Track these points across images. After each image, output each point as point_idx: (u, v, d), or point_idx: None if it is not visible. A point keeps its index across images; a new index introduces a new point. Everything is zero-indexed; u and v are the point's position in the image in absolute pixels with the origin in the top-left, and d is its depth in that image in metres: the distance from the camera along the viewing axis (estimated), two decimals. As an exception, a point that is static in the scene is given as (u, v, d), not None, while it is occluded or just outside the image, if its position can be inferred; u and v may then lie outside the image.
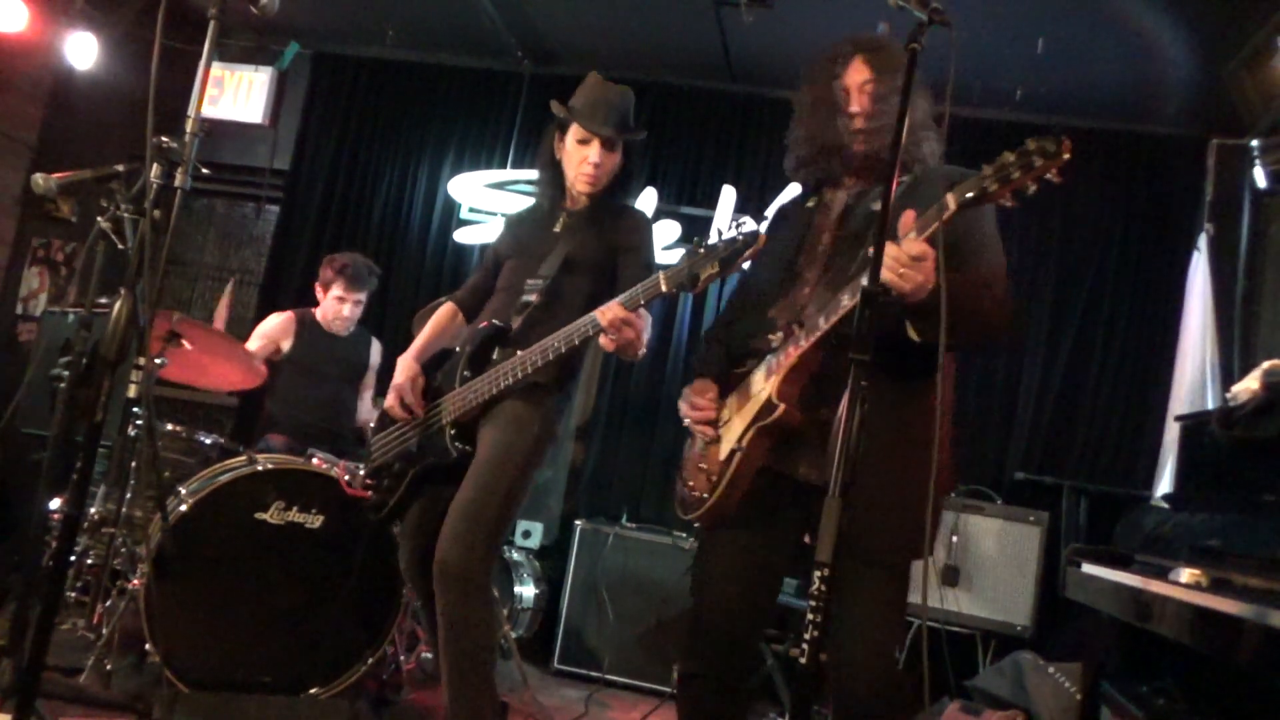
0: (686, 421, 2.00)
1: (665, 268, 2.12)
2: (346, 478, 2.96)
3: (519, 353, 2.31)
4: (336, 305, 3.87)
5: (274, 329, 3.90)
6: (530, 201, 2.73)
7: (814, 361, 1.80)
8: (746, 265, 2.11)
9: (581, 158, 2.49)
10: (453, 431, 2.41)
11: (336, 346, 3.95)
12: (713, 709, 1.93)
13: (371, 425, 3.15)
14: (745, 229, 2.00)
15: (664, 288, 2.09)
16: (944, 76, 1.80)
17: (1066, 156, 1.48)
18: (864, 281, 1.53)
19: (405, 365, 2.53)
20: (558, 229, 2.53)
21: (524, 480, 2.36)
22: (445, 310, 2.72)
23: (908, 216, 1.65)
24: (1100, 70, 4.23)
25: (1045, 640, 3.60)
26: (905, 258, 1.59)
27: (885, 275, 1.58)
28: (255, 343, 3.85)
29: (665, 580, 3.97)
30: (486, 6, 4.61)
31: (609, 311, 2.14)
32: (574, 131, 2.49)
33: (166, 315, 2.99)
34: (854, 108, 1.94)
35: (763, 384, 1.85)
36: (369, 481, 2.61)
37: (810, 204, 2.05)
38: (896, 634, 1.80)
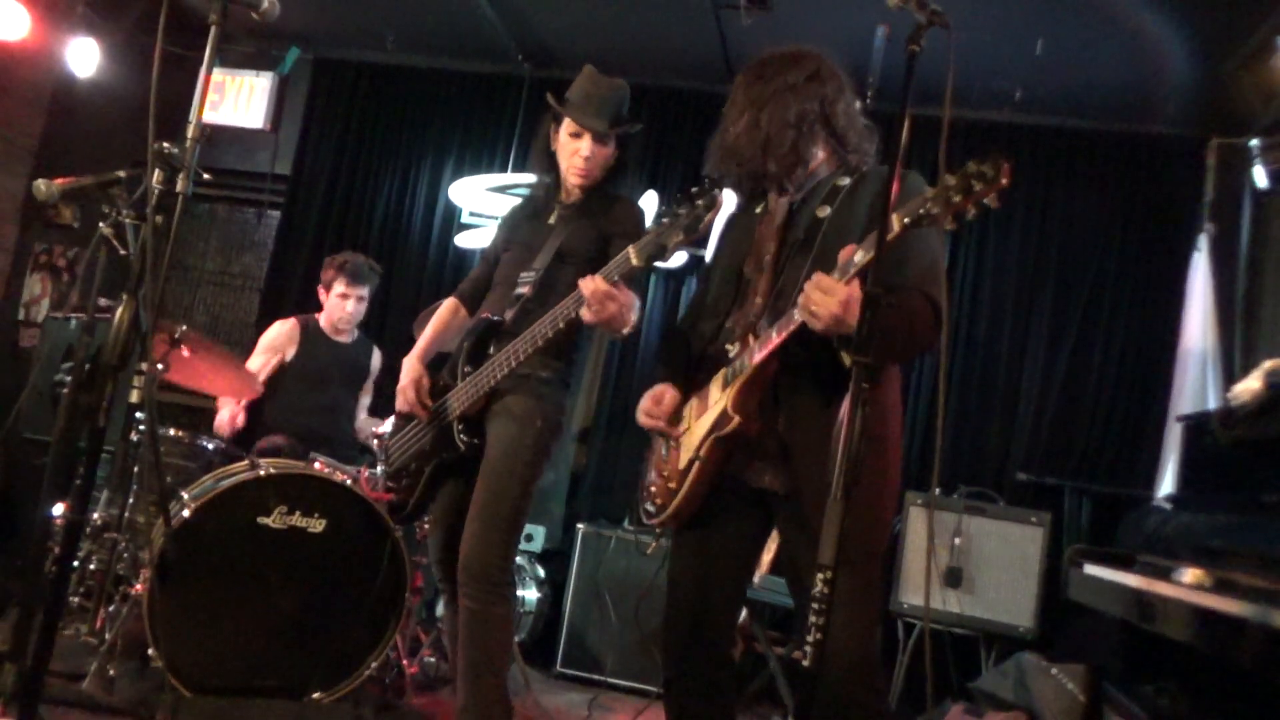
0: (641, 422, 2.05)
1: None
2: (366, 475, 3.00)
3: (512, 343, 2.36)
4: (339, 303, 3.88)
5: (278, 338, 3.90)
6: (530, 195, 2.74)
7: (769, 373, 1.83)
8: (715, 229, 2.18)
9: (573, 150, 2.52)
10: (460, 426, 2.46)
11: (339, 352, 3.96)
12: (694, 711, 1.96)
13: (373, 431, 3.17)
14: (705, 195, 2.04)
15: (635, 260, 2.14)
16: (943, 78, 1.80)
17: (1005, 182, 1.49)
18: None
19: (410, 366, 2.59)
20: (552, 221, 2.56)
21: (534, 475, 2.42)
22: (447, 307, 2.75)
23: (847, 250, 1.68)
24: (1099, 71, 4.23)
25: (1048, 641, 3.59)
26: (814, 294, 1.64)
27: (798, 315, 1.66)
28: (259, 358, 3.84)
29: (663, 583, 3.96)
30: (486, 10, 4.62)
31: (590, 282, 2.18)
32: (566, 125, 2.52)
33: (170, 327, 3.00)
34: (725, 138, 2.00)
35: (719, 394, 1.88)
36: (390, 484, 2.67)
37: (758, 210, 2.07)
38: (866, 627, 1.81)
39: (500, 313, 2.49)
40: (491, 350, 2.43)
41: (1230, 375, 3.87)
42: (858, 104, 2.01)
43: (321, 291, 3.92)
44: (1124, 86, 4.33)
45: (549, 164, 2.60)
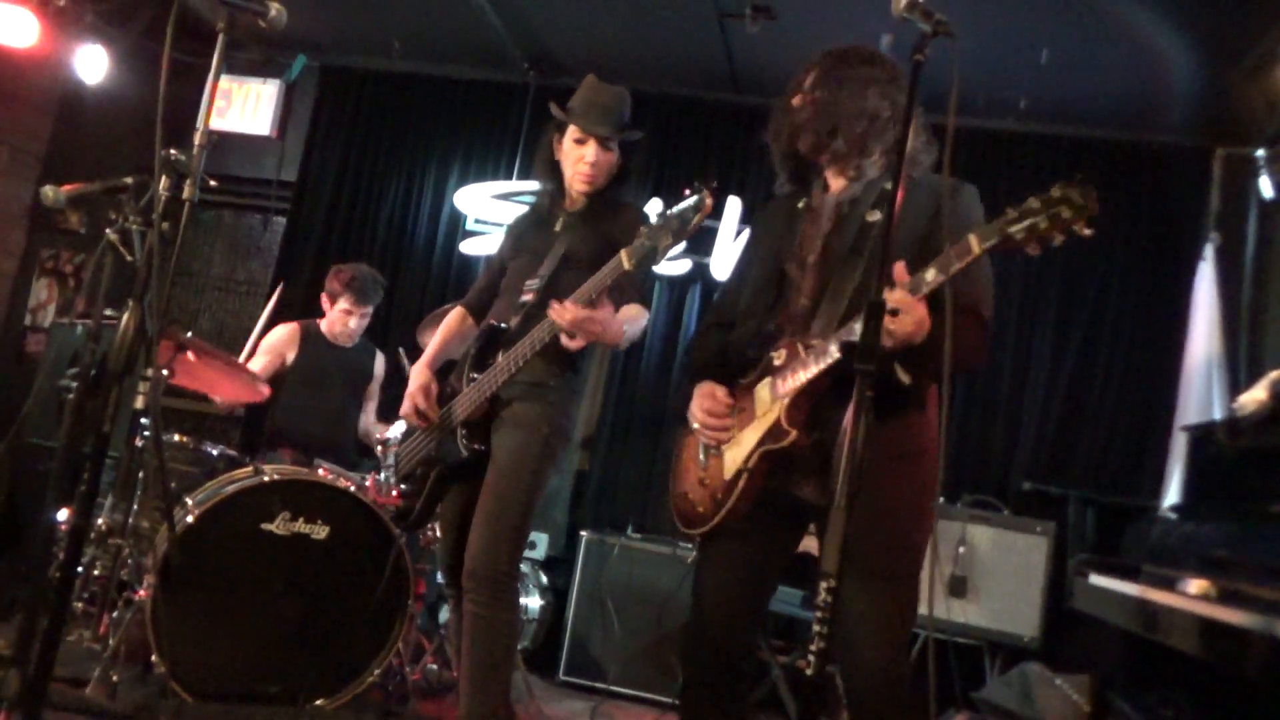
0: (696, 426, 1.95)
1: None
2: (371, 481, 3.00)
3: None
4: (343, 318, 3.89)
5: (279, 341, 3.91)
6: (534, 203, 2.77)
7: (822, 386, 1.78)
8: (717, 234, 2.15)
9: (578, 157, 2.53)
10: (464, 432, 2.47)
11: (341, 357, 3.97)
12: (712, 717, 1.94)
13: (376, 436, 3.17)
14: (693, 197, 2.06)
15: (626, 265, 2.16)
16: (948, 87, 1.81)
17: (1094, 209, 1.46)
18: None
19: (417, 373, 2.60)
20: (558, 229, 2.58)
21: (540, 482, 2.44)
22: (454, 315, 2.77)
23: (901, 268, 1.64)
24: (1104, 80, 4.23)
25: (1053, 651, 3.57)
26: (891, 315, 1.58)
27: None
28: (261, 359, 3.84)
29: (671, 590, 3.96)
30: (492, 18, 4.64)
31: (565, 313, 2.20)
32: (570, 131, 2.54)
33: (174, 334, 3.00)
34: (795, 101, 1.98)
35: (769, 404, 1.83)
36: (397, 490, 2.71)
37: (800, 204, 2.02)
38: (900, 646, 1.79)
39: (506, 320, 2.51)
40: (497, 357, 2.44)
41: (1236, 385, 3.85)
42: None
43: (325, 300, 3.93)
44: (1129, 96, 4.33)
45: (552, 172, 2.61)
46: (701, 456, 1.97)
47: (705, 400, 1.93)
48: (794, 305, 1.89)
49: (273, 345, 3.90)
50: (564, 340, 2.24)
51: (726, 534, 1.90)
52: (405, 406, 2.58)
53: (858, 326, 1.63)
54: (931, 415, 1.86)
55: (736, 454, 1.86)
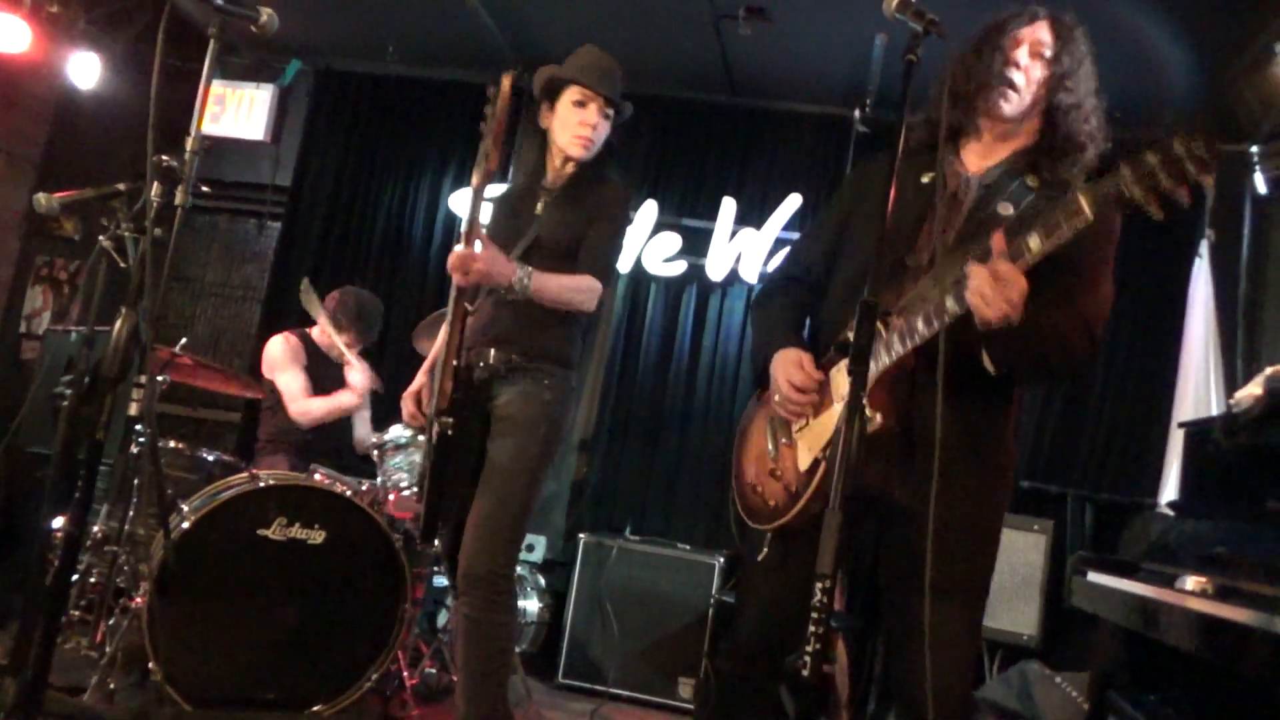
0: (777, 398, 1.76)
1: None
2: (365, 489, 3.01)
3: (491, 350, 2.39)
4: (343, 346, 3.90)
5: (295, 353, 3.86)
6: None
7: (909, 367, 1.65)
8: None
9: (579, 120, 2.46)
10: (440, 419, 2.36)
11: (335, 369, 3.97)
12: (743, 707, 1.90)
13: (372, 440, 3.18)
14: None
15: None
16: (941, 86, 1.81)
17: (1215, 163, 1.34)
18: (959, 279, 1.47)
19: (420, 374, 2.61)
20: (539, 210, 2.50)
21: (536, 482, 2.42)
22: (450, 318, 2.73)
23: (998, 238, 1.52)
24: (1099, 76, 4.22)
25: (1052, 650, 3.57)
26: (989, 285, 1.48)
27: (969, 299, 1.50)
28: (298, 368, 3.78)
29: (670, 592, 3.95)
30: (487, 21, 4.63)
31: (453, 258, 2.24)
32: (570, 94, 2.47)
33: (166, 351, 3.00)
34: (1021, 60, 1.75)
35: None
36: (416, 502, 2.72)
37: (925, 179, 1.80)
38: (970, 666, 1.75)
39: (481, 307, 2.47)
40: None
41: (1232, 382, 3.86)
42: None
43: (324, 321, 3.91)
44: (1123, 93, 4.26)
45: (539, 144, 2.55)
46: (770, 445, 1.82)
47: (792, 370, 1.74)
48: (906, 286, 1.69)
49: (295, 356, 3.86)
50: (456, 278, 2.26)
51: (796, 535, 1.74)
52: (406, 409, 2.58)
53: (950, 303, 1.53)
54: (1012, 430, 1.76)
55: (813, 442, 1.72)
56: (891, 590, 1.77)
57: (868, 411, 1.55)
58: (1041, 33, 1.79)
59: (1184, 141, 1.36)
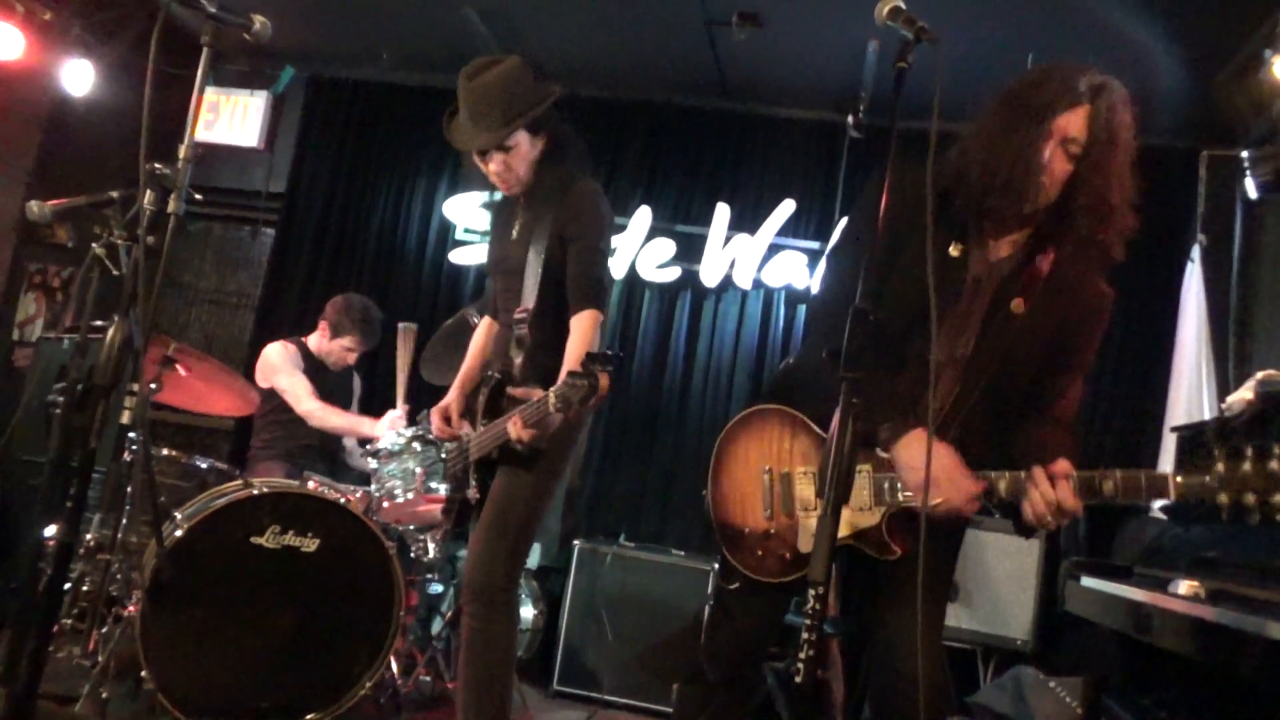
0: (939, 503, 1.66)
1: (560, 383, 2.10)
2: (359, 496, 3.00)
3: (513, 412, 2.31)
4: (342, 353, 3.92)
5: (293, 361, 3.86)
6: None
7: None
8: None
9: (484, 169, 2.42)
10: (475, 476, 2.46)
11: (330, 378, 3.97)
12: (718, 711, 1.97)
13: (367, 447, 3.18)
14: (590, 376, 1.99)
15: (551, 408, 2.09)
16: (932, 92, 1.81)
17: None
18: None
19: (452, 390, 2.62)
20: (515, 234, 2.47)
21: (542, 496, 2.42)
22: (483, 329, 2.75)
23: (1066, 465, 1.62)
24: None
25: (1046, 655, 3.58)
26: (1055, 508, 1.60)
27: (1028, 513, 1.62)
28: (305, 382, 3.78)
29: (665, 598, 3.95)
30: (480, 28, 4.64)
31: (516, 429, 2.21)
32: None
33: (163, 343, 2.99)
34: (1054, 173, 1.70)
35: (868, 499, 1.77)
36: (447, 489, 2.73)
37: (955, 253, 1.75)
38: (943, 654, 1.86)
39: (508, 361, 2.43)
40: (504, 405, 2.41)
41: (1225, 386, 3.87)
42: None
43: (325, 327, 3.91)
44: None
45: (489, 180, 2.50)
46: (767, 501, 1.87)
47: (962, 482, 1.68)
48: (921, 389, 1.65)
49: (294, 362, 3.86)
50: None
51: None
52: (435, 424, 2.59)
53: (1001, 483, 1.63)
54: None
55: (813, 531, 1.70)
56: (882, 592, 1.85)
57: (887, 538, 1.72)
58: (1075, 124, 1.68)
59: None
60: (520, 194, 2.47)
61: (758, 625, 1.96)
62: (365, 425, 3.67)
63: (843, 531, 1.70)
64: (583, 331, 2.32)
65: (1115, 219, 1.72)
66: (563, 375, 2.08)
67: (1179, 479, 1.53)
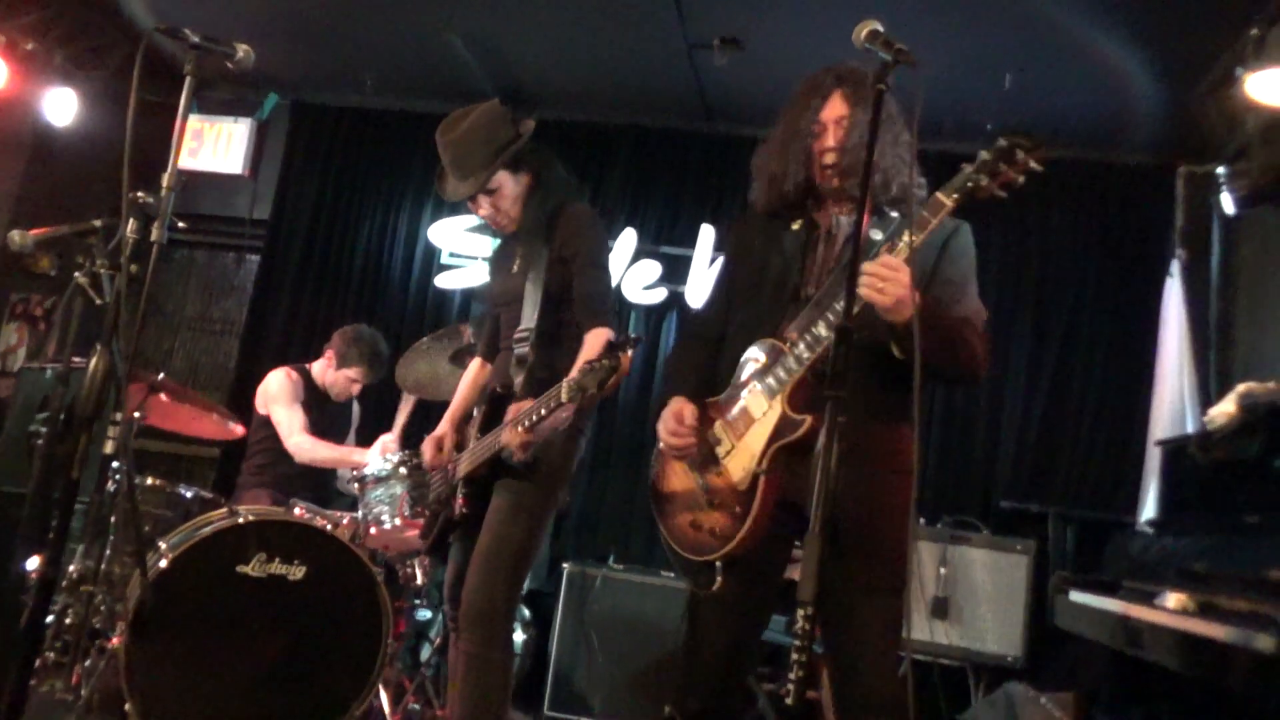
0: (662, 445, 1.95)
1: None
2: (346, 522, 3.01)
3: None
4: (346, 384, 3.89)
5: (294, 391, 3.83)
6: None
7: (815, 372, 1.78)
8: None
9: (478, 212, 2.53)
10: (464, 490, 2.46)
11: (330, 407, 3.95)
12: None
13: (353, 474, 3.16)
14: (612, 358, 2.06)
15: (564, 398, 2.13)
16: (913, 112, 1.84)
17: (1042, 148, 1.59)
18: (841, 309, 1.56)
19: (445, 421, 2.65)
20: (515, 269, 2.52)
21: (537, 523, 2.42)
22: (475, 368, 2.78)
23: (885, 249, 1.72)
24: (1068, 101, 4.31)
25: (1037, 670, 3.57)
26: (882, 270, 1.65)
27: (864, 292, 1.64)
28: (298, 406, 3.77)
29: (655, 620, 3.93)
30: (463, 53, 4.66)
31: (513, 436, 2.26)
32: None
33: (147, 377, 2.97)
34: (829, 142, 1.92)
35: (766, 403, 1.83)
36: (419, 517, 2.79)
37: (795, 227, 1.99)
38: (895, 665, 1.80)
39: (508, 380, 2.47)
40: (503, 419, 2.41)
41: (1207, 399, 3.90)
42: None
43: (332, 357, 3.88)
44: (1093, 117, 4.41)
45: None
46: (698, 481, 1.92)
47: (668, 417, 1.94)
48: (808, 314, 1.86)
49: (294, 393, 3.83)
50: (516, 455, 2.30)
51: (746, 561, 1.83)
52: (427, 455, 2.61)
53: (839, 305, 1.63)
54: (912, 437, 1.85)
55: (743, 460, 1.83)
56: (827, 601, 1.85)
57: (795, 415, 1.75)
58: (836, 108, 1.93)
59: (1009, 136, 1.63)
60: (516, 231, 2.55)
61: (734, 639, 1.92)
62: (355, 455, 3.66)
63: (759, 445, 1.81)
64: (594, 348, 2.36)
65: (898, 159, 1.91)
66: (576, 368, 2.13)
67: (943, 191, 1.68)
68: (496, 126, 2.47)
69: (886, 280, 1.64)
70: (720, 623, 1.92)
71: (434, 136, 2.56)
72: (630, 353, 2.07)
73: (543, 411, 2.19)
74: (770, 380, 1.84)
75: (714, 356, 2.05)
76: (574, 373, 2.12)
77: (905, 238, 1.68)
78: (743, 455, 1.84)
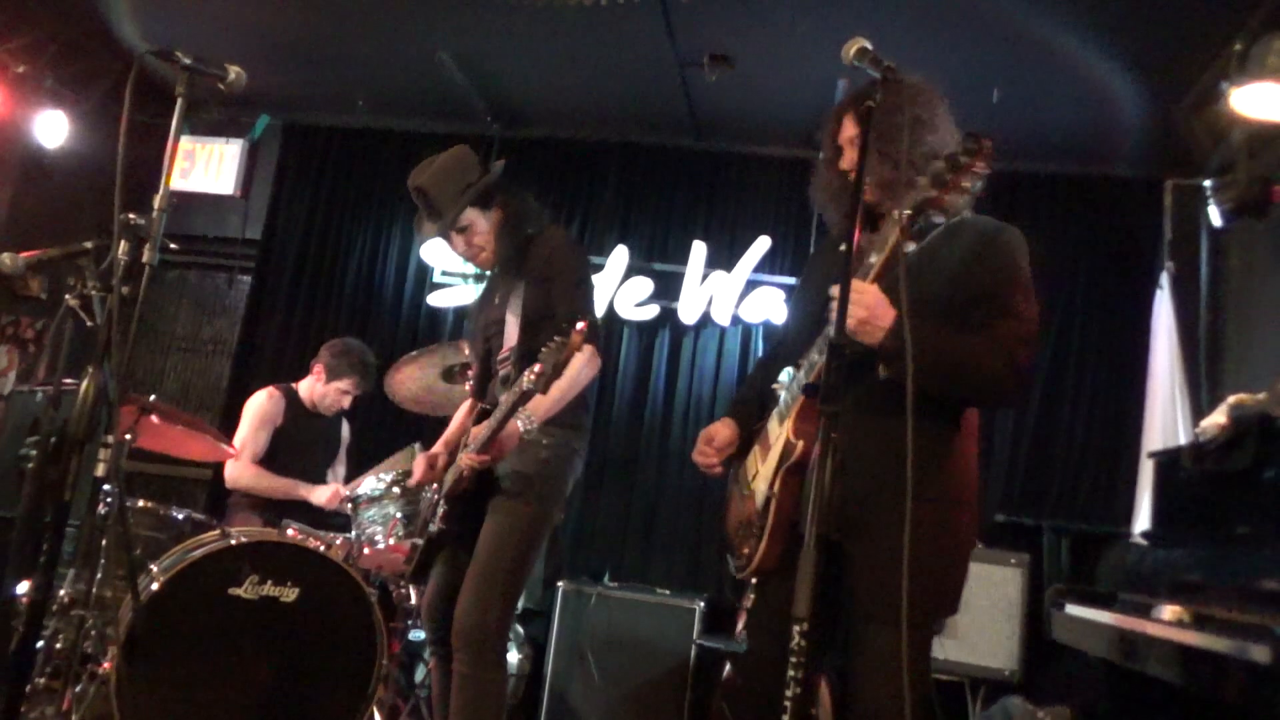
0: (697, 463, 2.04)
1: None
2: (339, 543, 3.05)
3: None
4: (337, 396, 3.86)
5: (269, 413, 3.81)
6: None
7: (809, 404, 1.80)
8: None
9: (455, 250, 2.59)
10: (443, 509, 2.48)
11: (319, 425, 3.94)
12: None
13: (344, 494, 3.15)
14: (561, 334, 2.10)
15: (525, 385, 2.16)
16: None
17: (989, 146, 1.56)
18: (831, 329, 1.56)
19: (439, 443, 2.68)
20: (497, 301, 2.60)
21: (531, 542, 2.43)
22: (466, 408, 2.80)
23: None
24: (1055, 116, 4.34)
25: (1033, 684, 3.56)
26: (850, 294, 1.64)
27: (831, 316, 1.61)
28: (260, 434, 3.76)
29: (651, 638, 3.91)
30: (455, 73, 4.68)
31: (469, 460, 2.33)
32: None
33: (138, 399, 2.96)
34: (844, 164, 1.96)
35: (779, 427, 1.88)
36: (411, 537, 2.82)
37: (842, 248, 1.94)
38: (908, 693, 1.72)
39: (493, 399, 2.50)
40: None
41: (1198, 410, 3.91)
42: None
43: (320, 371, 3.86)
44: (1080, 131, 4.44)
45: None
46: (738, 500, 2.00)
47: (702, 436, 2.03)
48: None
49: (265, 417, 3.81)
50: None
51: (776, 574, 1.86)
52: (418, 472, 2.64)
53: (832, 318, 1.62)
54: (968, 459, 1.88)
55: (761, 484, 1.90)
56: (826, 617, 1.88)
57: (793, 439, 1.77)
58: (849, 129, 1.95)
59: (960, 142, 1.61)
60: (495, 265, 2.61)
61: (770, 639, 1.86)
62: (301, 490, 3.66)
63: (771, 469, 1.85)
64: (571, 369, 2.36)
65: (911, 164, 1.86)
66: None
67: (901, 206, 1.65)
68: (464, 168, 2.54)
69: (852, 304, 1.63)
70: (772, 635, 1.88)
71: (418, 152, 2.66)
72: (581, 326, 2.10)
73: (495, 425, 2.24)
74: (782, 405, 1.90)
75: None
76: (536, 366, 2.16)
77: (872, 258, 1.68)
78: (762, 479, 1.91)
